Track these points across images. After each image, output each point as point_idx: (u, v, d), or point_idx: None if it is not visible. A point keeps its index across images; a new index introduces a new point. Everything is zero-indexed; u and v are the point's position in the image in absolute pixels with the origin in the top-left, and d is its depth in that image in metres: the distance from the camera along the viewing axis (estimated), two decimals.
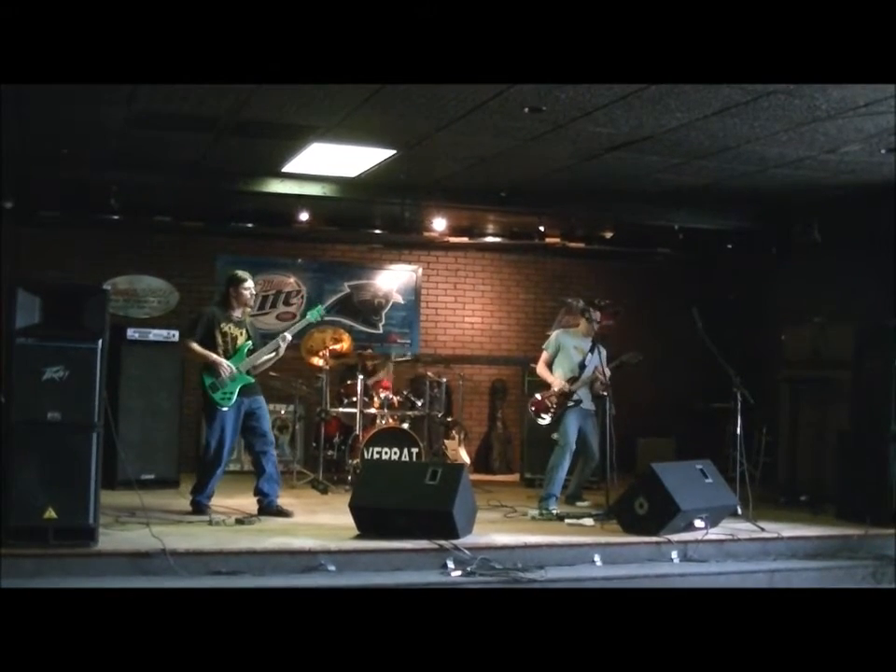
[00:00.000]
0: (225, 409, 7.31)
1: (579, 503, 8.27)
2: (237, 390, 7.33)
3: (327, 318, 11.02)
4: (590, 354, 8.11)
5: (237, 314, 7.52)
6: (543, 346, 8.49)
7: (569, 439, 8.02)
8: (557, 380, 8.14)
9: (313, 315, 7.75)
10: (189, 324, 7.65)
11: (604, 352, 8.16)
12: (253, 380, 7.47)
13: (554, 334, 8.47)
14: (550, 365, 8.30)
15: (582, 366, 8.13)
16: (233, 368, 7.31)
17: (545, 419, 8.12)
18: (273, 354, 7.52)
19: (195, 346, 7.37)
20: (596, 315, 8.23)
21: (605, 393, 7.90)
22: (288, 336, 7.55)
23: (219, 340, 7.40)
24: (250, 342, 7.49)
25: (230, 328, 7.46)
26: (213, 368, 7.30)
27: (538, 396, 8.24)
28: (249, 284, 7.55)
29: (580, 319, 8.37)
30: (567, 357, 8.23)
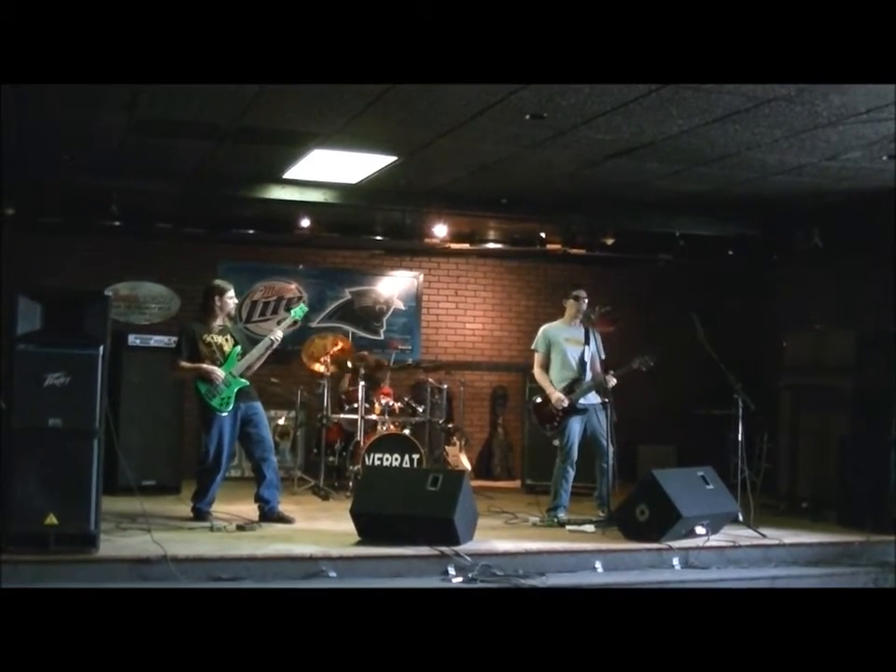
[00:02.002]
0: (224, 414, 7.32)
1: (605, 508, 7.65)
2: (234, 394, 7.36)
3: (328, 325, 11.13)
4: (587, 346, 7.78)
5: (218, 322, 7.55)
6: (532, 346, 8.09)
7: (570, 452, 7.75)
8: (557, 395, 7.75)
9: (296, 313, 7.79)
10: (174, 347, 7.67)
11: (598, 336, 7.95)
12: (248, 383, 7.49)
13: (541, 331, 8.03)
14: (547, 367, 7.91)
15: (583, 362, 7.77)
16: (225, 373, 7.34)
17: (551, 426, 7.83)
18: (265, 352, 7.53)
19: (184, 364, 7.41)
20: (582, 293, 7.85)
21: (606, 399, 7.68)
22: (279, 333, 7.54)
23: (205, 352, 7.42)
24: (238, 346, 7.51)
25: (212, 338, 7.48)
26: (205, 377, 7.33)
27: (538, 400, 7.91)
28: (232, 293, 7.62)
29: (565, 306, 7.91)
30: (562, 353, 7.85)
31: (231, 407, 7.34)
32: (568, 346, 7.89)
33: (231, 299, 7.59)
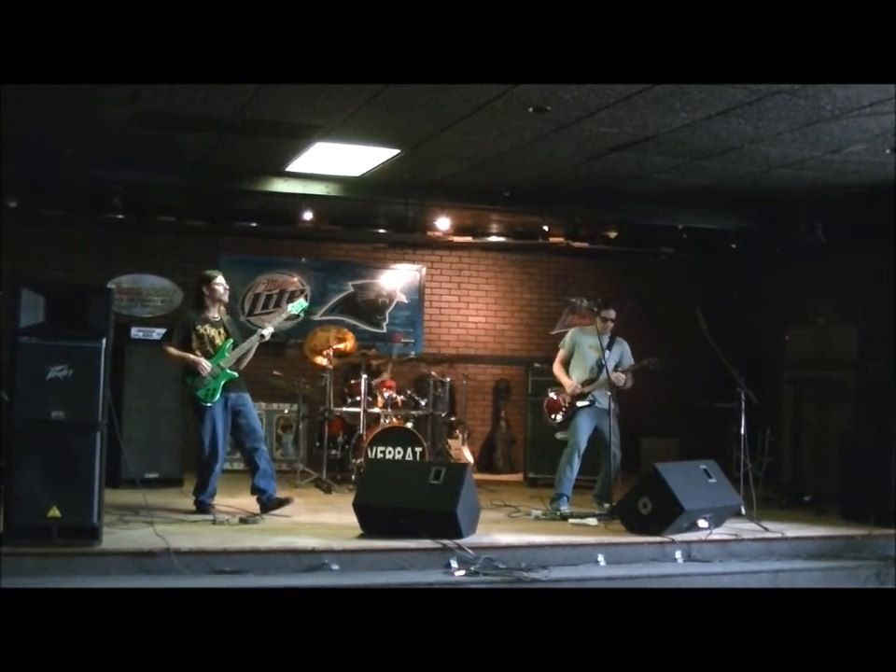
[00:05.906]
0: (209, 405, 7.38)
1: (606, 504, 7.79)
2: (221, 386, 7.41)
3: (330, 318, 11.14)
4: (608, 351, 7.98)
5: (213, 313, 7.61)
6: (559, 345, 8.43)
7: (577, 438, 7.92)
8: (570, 382, 8.08)
9: (294, 308, 7.85)
10: (166, 332, 7.72)
11: (627, 348, 8.19)
12: (237, 375, 7.52)
13: (570, 332, 8.43)
14: (567, 364, 8.21)
15: (600, 365, 7.98)
16: (212, 366, 7.38)
17: (556, 418, 8.12)
18: (254, 346, 7.58)
19: (172, 350, 7.46)
20: (610, 314, 8.06)
21: (609, 393, 7.76)
22: (270, 329, 7.61)
23: (196, 342, 7.47)
24: (231, 340, 7.56)
25: (206, 329, 7.54)
26: (193, 368, 7.37)
27: (552, 395, 8.21)
28: (220, 280, 7.66)
29: (587, 318, 8.24)
30: (582, 357, 8.14)
31: (216, 398, 7.39)
32: (590, 351, 8.14)
33: (218, 285, 7.62)
